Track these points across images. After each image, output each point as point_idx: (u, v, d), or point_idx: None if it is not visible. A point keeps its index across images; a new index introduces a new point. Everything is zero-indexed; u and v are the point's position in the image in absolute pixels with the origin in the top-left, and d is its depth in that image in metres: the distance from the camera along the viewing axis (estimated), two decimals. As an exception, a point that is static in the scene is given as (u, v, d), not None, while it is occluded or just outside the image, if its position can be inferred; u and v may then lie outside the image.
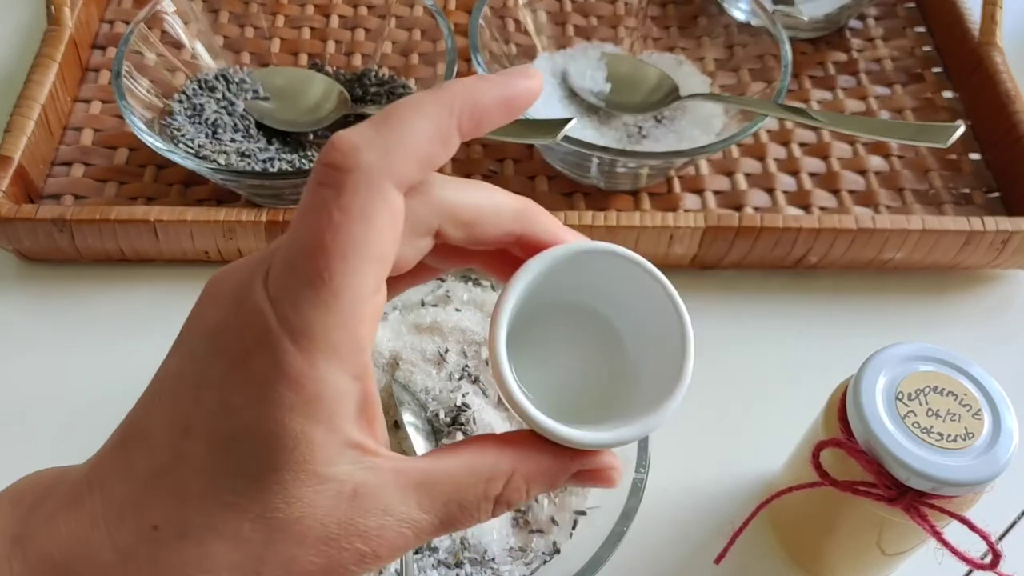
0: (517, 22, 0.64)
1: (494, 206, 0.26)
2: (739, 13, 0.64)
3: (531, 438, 0.26)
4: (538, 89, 0.26)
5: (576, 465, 0.27)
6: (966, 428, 0.36)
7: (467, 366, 0.46)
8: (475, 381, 0.46)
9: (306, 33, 0.66)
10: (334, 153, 0.23)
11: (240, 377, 0.23)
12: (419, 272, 0.28)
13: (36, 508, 0.24)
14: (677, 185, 0.60)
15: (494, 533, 0.42)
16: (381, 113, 0.24)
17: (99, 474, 0.24)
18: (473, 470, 0.25)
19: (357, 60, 0.65)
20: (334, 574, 0.23)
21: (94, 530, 0.22)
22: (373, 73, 0.63)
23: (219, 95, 0.59)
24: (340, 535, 0.23)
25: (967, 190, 0.61)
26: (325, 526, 0.23)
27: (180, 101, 0.59)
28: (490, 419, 0.45)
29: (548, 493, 0.43)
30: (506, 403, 0.27)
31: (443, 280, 0.49)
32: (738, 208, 0.59)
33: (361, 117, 0.58)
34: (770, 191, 0.60)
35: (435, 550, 0.42)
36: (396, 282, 0.28)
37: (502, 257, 0.28)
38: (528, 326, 0.28)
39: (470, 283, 0.49)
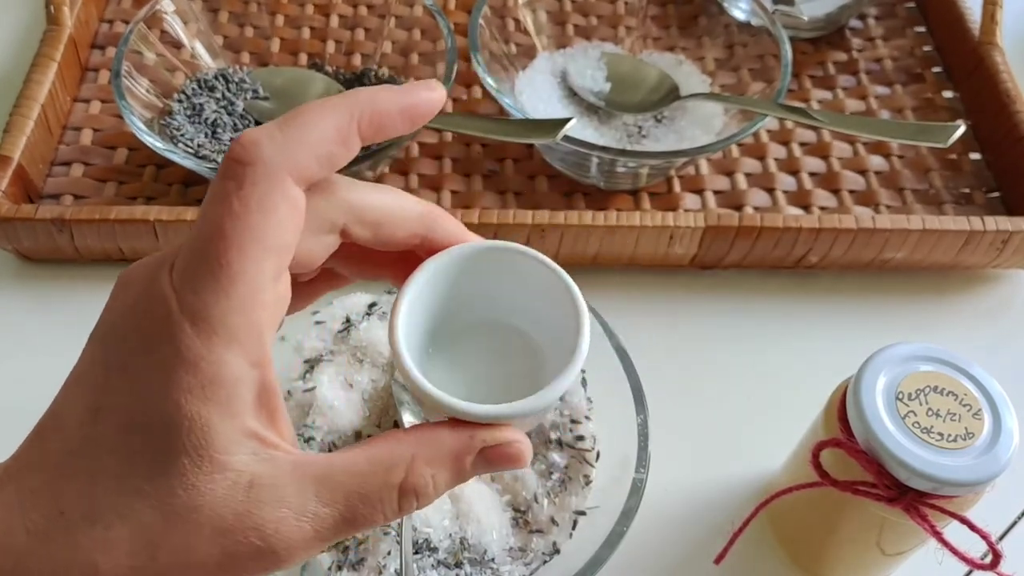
0: (517, 22, 0.64)
1: (400, 208, 0.28)
2: (739, 13, 0.64)
3: (432, 425, 0.27)
4: (439, 101, 0.27)
5: (478, 442, 0.26)
6: (966, 428, 0.36)
7: (467, 366, 0.46)
8: (475, 381, 0.46)
9: (306, 33, 0.66)
10: (238, 148, 0.24)
11: (144, 360, 0.23)
12: (332, 279, 0.30)
13: None
14: (677, 185, 0.59)
15: (494, 533, 0.42)
16: (287, 113, 0.25)
17: (17, 462, 0.24)
18: (372, 459, 0.25)
19: (357, 60, 0.65)
20: (231, 570, 0.23)
21: (10, 515, 0.23)
22: (373, 73, 0.63)
23: (219, 95, 0.59)
24: (235, 526, 0.23)
25: (967, 190, 0.61)
26: (221, 516, 0.23)
27: (180, 101, 0.59)
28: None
29: (548, 493, 0.43)
30: (404, 382, 0.27)
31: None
32: (738, 208, 0.59)
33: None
34: (770, 191, 0.60)
35: (435, 550, 0.42)
36: (311, 287, 0.30)
37: (411, 267, 0.29)
38: (447, 347, 0.30)
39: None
